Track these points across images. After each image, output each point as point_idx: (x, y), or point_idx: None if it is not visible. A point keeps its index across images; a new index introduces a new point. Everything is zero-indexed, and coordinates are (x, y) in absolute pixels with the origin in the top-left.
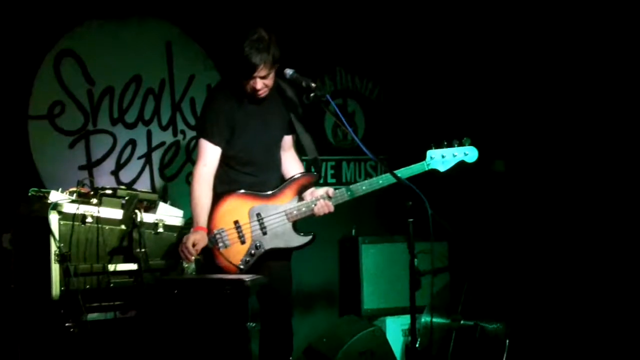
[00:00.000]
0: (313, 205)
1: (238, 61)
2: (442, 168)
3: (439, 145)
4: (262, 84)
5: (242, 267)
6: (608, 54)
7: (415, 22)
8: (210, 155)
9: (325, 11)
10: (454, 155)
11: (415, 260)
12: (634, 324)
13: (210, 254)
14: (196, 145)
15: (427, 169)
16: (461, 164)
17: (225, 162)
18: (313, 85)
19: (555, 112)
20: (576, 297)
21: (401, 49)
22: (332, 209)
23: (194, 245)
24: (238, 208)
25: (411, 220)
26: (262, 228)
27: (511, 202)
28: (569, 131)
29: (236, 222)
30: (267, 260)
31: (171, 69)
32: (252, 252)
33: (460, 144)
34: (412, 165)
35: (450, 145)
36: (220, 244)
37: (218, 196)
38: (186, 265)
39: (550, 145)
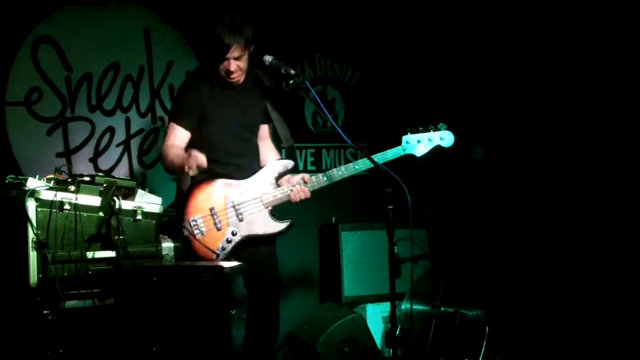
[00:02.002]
0: (289, 192)
1: (211, 42)
2: (418, 153)
3: (414, 130)
4: (235, 65)
5: (218, 253)
6: (585, 43)
7: (395, 8)
8: (178, 137)
9: None
10: (430, 140)
11: (395, 247)
12: (613, 309)
13: (187, 242)
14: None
15: (403, 153)
16: (438, 149)
17: (200, 149)
18: (292, 72)
19: (533, 99)
20: (555, 283)
21: (381, 35)
22: (308, 194)
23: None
24: (213, 195)
25: (391, 207)
26: (238, 214)
27: (490, 190)
28: (546, 118)
29: (212, 209)
30: (251, 247)
31: (150, 55)
32: (229, 238)
33: (436, 129)
34: (388, 150)
35: (426, 130)
36: (197, 232)
37: (193, 184)
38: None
39: (529, 133)
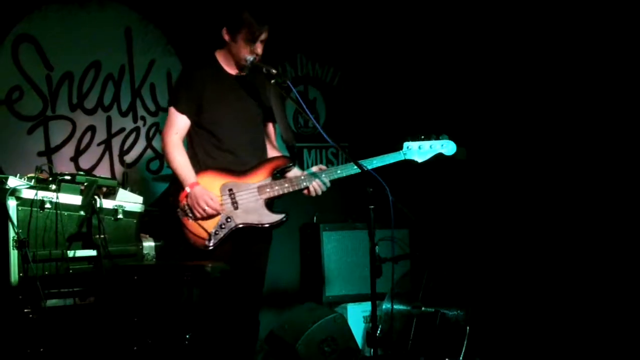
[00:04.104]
0: (287, 185)
1: (242, 25)
2: (419, 159)
3: (415, 138)
4: (261, 49)
5: (211, 238)
6: (567, 43)
7: (376, 9)
8: (180, 123)
9: None
10: (431, 147)
11: (376, 247)
12: (594, 308)
13: (179, 225)
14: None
15: (403, 158)
16: (439, 157)
17: (200, 140)
18: (274, 71)
19: (515, 100)
20: (535, 283)
21: (362, 35)
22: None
23: (206, 204)
24: (210, 183)
25: (372, 207)
26: (234, 202)
27: (472, 190)
28: (528, 120)
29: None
30: (247, 242)
31: (131, 54)
32: (222, 225)
33: (438, 138)
34: (389, 154)
35: (427, 139)
36: (191, 215)
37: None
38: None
39: (511, 133)
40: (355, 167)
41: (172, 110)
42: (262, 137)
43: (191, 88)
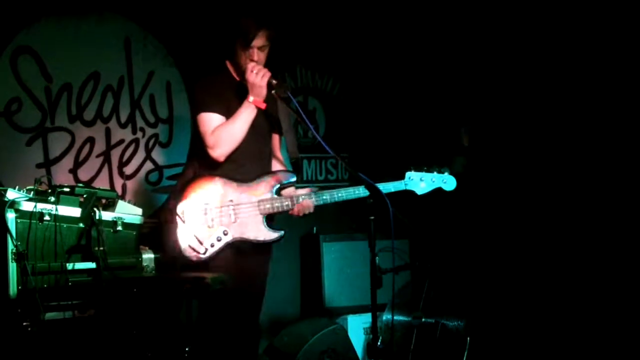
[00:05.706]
0: (288, 203)
1: (236, 31)
2: (419, 191)
3: (418, 169)
4: (258, 56)
5: (206, 250)
6: (563, 49)
7: (374, 19)
8: (215, 122)
9: (283, 8)
10: (432, 181)
11: (377, 258)
12: (594, 318)
13: (173, 233)
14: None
15: (404, 188)
16: (438, 190)
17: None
18: (274, 82)
19: (513, 111)
20: (536, 294)
21: (360, 45)
22: (312, 209)
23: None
24: (211, 191)
25: (372, 218)
26: (232, 215)
27: (471, 200)
28: (528, 128)
29: (207, 205)
30: (247, 254)
31: (130, 65)
32: (219, 237)
33: (440, 172)
34: (390, 182)
35: (429, 171)
36: (187, 222)
37: (194, 178)
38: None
39: (510, 143)
40: (357, 192)
41: (202, 115)
42: (269, 148)
43: (215, 90)
